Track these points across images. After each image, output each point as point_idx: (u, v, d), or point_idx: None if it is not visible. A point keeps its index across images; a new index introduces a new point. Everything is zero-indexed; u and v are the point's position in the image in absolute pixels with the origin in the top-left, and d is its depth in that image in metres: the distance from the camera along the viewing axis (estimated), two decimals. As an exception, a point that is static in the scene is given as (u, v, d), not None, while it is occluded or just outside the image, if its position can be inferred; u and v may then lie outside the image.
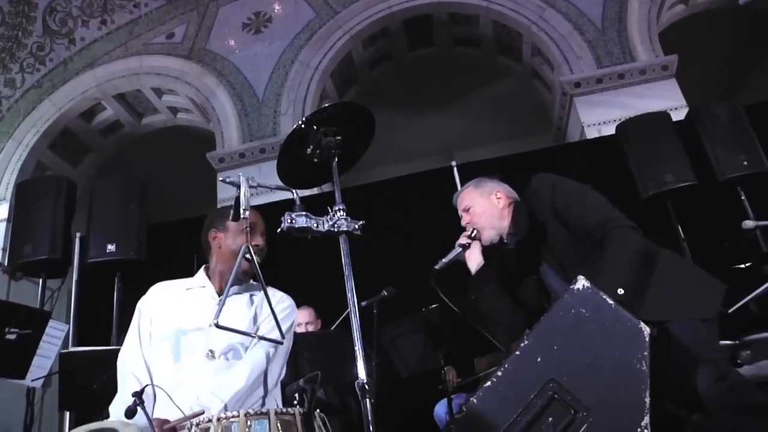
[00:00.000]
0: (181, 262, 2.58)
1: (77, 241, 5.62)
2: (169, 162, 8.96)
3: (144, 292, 2.43)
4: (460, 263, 2.66)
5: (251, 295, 2.36)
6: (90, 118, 8.77)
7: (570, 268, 2.33)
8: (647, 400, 1.71)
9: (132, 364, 2.25)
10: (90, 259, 5.05)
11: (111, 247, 4.96)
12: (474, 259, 2.62)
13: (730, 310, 3.94)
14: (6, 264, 5.34)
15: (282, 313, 2.33)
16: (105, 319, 5.05)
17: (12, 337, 3.31)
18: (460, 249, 2.64)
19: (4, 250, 7.12)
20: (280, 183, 2.13)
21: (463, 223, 2.68)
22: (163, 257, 5.14)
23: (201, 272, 2.43)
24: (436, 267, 2.62)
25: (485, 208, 2.63)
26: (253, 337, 2.03)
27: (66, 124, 8.51)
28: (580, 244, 2.34)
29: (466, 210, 2.68)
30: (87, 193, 5.55)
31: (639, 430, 1.69)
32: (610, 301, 1.78)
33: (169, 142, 9.17)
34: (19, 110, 8.36)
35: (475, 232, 2.60)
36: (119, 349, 2.42)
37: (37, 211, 5.15)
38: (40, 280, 5.26)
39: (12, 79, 8.47)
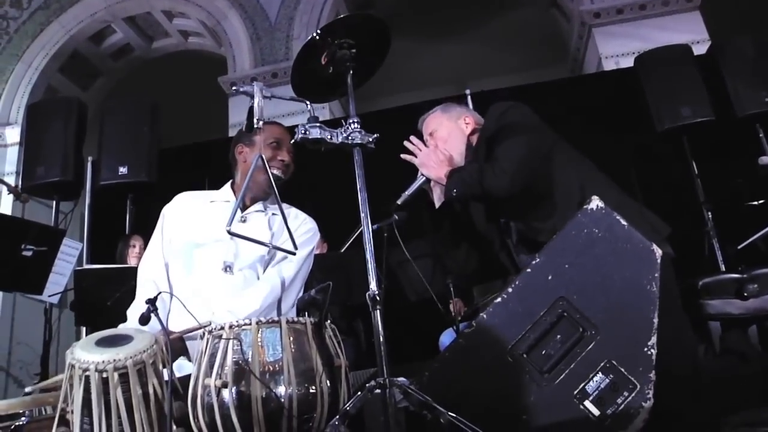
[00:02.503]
0: (193, 186, 2.59)
1: (89, 165, 5.64)
2: (180, 87, 8.84)
3: (155, 215, 2.42)
4: (423, 193, 2.48)
5: (273, 214, 2.34)
6: (100, 41, 8.63)
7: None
8: (655, 320, 1.73)
9: (153, 270, 2.27)
10: (102, 182, 5.09)
11: (123, 170, 4.99)
12: (439, 190, 2.41)
13: (739, 246, 3.95)
14: (19, 186, 5.39)
15: (303, 235, 2.32)
16: (117, 241, 5.11)
17: (28, 253, 3.37)
18: (424, 178, 2.40)
19: (17, 173, 7.15)
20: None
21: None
22: (174, 181, 5.15)
23: (227, 186, 2.41)
24: (398, 202, 2.40)
25: (451, 132, 2.47)
26: (267, 245, 2.04)
27: (75, 47, 8.38)
28: None
29: (431, 134, 2.50)
30: (98, 118, 5.53)
31: (646, 349, 1.72)
32: (623, 222, 1.78)
33: (181, 66, 9.05)
34: (27, 32, 8.22)
35: None
36: (132, 268, 2.46)
37: (48, 133, 5.17)
38: (54, 203, 5.32)
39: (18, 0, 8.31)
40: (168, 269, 2.27)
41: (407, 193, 2.41)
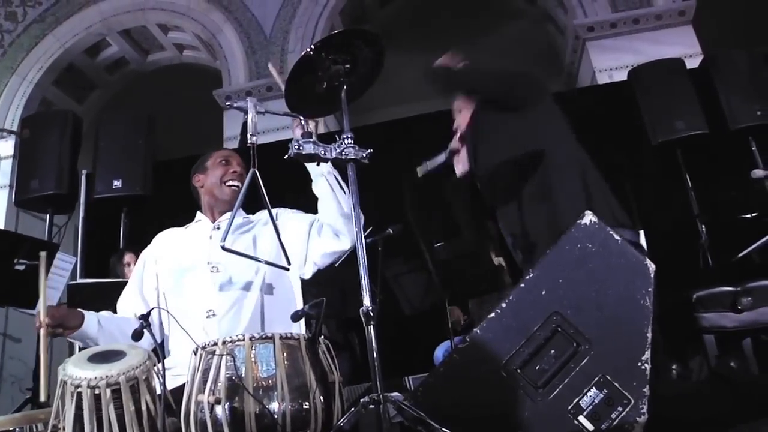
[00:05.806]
0: (187, 199, 2.59)
1: (83, 178, 5.62)
2: (175, 100, 8.84)
3: (149, 229, 2.52)
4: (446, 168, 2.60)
5: (243, 218, 2.43)
6: (95, 54, 8.63)
7: None
8: (649, 335, 1.73)
9: (131, 306, 2.33)
10: (96, 195, 5.07)
11: (117, 183, 4.98)
12: (462, 164, 2.56)
13: (734, 259, 3.96)
14: (14, 198, 5.38)
15: (290, 211, 2.40)
16: (111, 255, 5.09)
17: (21, 267, 3.35)
18: (449, 153, 2.58)
19: (11, 186, 7.13)
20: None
21: (454, 126, 2.63)
22: (168, 194, 5.13)
23: (198, 214, 2.51)
24: (420, 174, 2.57)
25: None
26: (260, 261, 2.04)
27: (71, 60, 8.38)
28: None
29: (459, 111, 2.64)
30: (93, 131, 5.52)
31: (640, 364, 1.72)
32: (617, 237, 1.78)
33: (176, 79, 9.04)
34: (22, 45, 8.22)
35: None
36: (126, 282, 2.49)
37: (42, 146, 5.15)
38: (47, 217, 5.30)
39: (13, 12, 8.31)
40: (164, 299, 2.30)
41: (429, 166, 2.60)
